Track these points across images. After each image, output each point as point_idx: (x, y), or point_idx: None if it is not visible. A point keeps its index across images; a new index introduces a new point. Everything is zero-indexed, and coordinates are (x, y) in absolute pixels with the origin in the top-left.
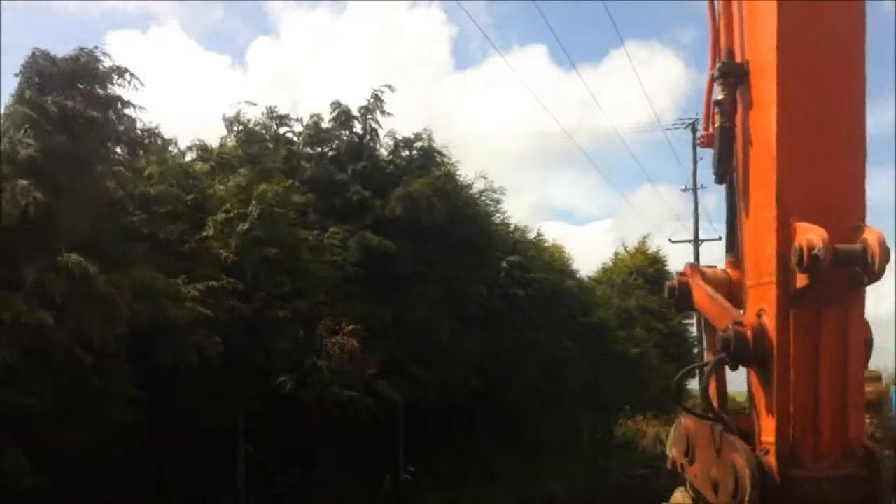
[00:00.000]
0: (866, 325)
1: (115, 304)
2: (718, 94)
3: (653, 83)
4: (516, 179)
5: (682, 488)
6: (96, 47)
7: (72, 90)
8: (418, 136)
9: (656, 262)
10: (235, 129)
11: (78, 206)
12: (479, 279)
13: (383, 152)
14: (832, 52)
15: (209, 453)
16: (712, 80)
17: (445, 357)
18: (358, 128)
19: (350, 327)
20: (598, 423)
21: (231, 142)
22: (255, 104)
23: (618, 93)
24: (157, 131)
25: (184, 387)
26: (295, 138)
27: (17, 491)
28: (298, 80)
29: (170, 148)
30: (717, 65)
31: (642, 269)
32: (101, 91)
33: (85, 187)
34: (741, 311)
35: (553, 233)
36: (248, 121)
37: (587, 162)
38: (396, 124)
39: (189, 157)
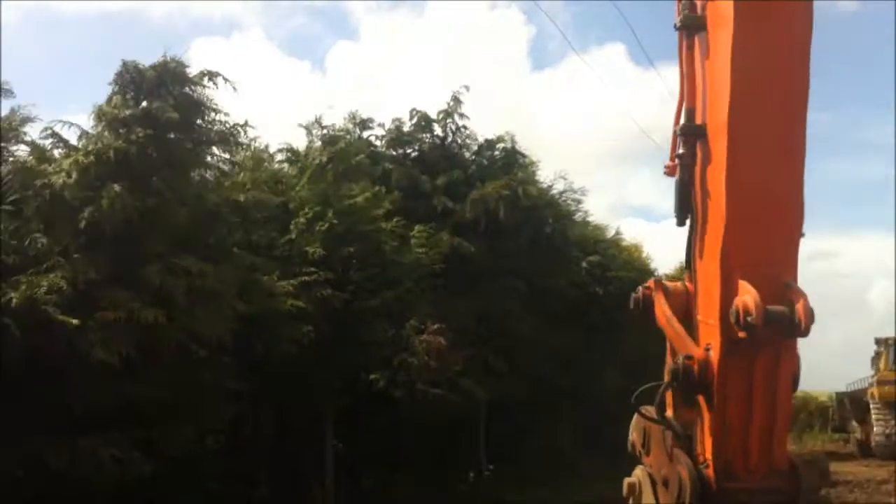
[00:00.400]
0: (797, 359)
1: (222, 301)
2: (680, 148)
3: None
4: (595, 178)
5: (641, 466)
6: (181, 54)
7: (162, 95)
8: (500, 138)
9: None
10: (319, 132)
11: (177, 208)
12: (560, 278)
13: (465, 154)
14: (779, 119)
15: (299, 447)
16: (675, 135)
17: (527, 354)
18: (438, 131)
19: (436, 326)
20: None
21: (317, 145)
22: (331, 108)
23: None
24: (247, 133)
25: (279, 380)
26: (377, 141)
27: (128, 478)
28: (379, 83)
29: (257, 150)
30: (680, 124)
31: None
32: (190, 92)
33: (181, 190)
34: (691, 341)
35: (631, 230)
36: (332, 125)
37: (665, 160)
38: (476, 126)
39: (278, 157)
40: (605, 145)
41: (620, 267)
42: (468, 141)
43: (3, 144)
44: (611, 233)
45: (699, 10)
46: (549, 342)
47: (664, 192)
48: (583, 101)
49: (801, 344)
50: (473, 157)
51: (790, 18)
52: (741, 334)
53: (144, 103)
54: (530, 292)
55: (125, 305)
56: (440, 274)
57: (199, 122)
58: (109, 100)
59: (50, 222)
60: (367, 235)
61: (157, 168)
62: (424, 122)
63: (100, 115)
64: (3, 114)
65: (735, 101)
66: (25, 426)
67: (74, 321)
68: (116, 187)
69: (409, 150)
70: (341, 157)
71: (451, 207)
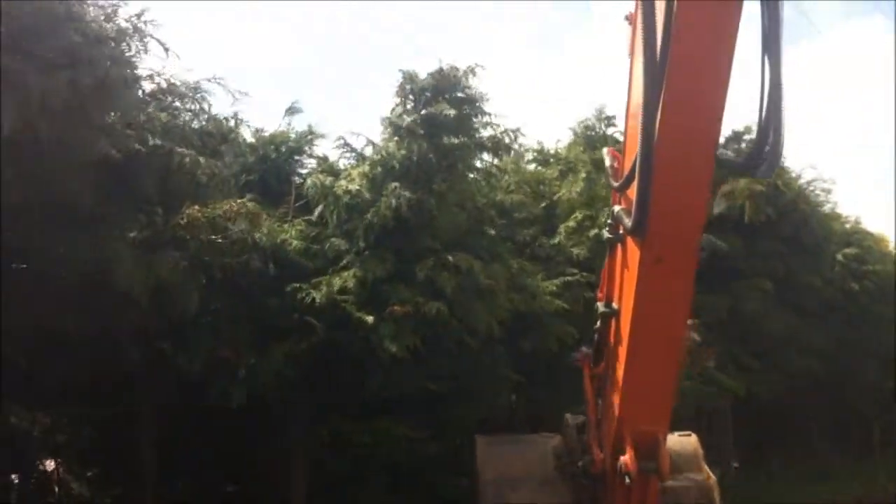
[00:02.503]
0: (658, 494)
1: (496, 295)
2: (598, 323)
3: None
4: (848, 166)
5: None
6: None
7: (439, 101)
8: (747, 129)
9: None
10: (577, 131)
11: (451, 207)
12: (812, 272)
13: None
14: (670, 318)
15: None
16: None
17: (779, 352)
18: None
19: (689, 321)
20: None
21: (578, 146)
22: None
23: None
24: (517, 135)
25: (543, 372)
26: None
27: (419, 455)
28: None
29: (521, 152)
30: (601, 307)
31: None
32: (463, 96)
33: (458, 191)
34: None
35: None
36: (584, 119)
37: None
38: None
39: (528, 157)
40: (853, 128)
41: (878, 260)
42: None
43: (297, 158)
44: (863, 223)
45: None
46: (803, 340)
47: None
48: (829, 84)
49: None
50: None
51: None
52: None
53: (424, 111)
54: (783, 290)
55: (411, 300)
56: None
57: (473, 122)
58: (393, 109)
59: (343, 225)
60: None
61: (435, 171)
62: None
63: (386, 123)
64: (300, 130)
65: (638, 304)
66: (332, 409)
67: (370, 318)
68: (395, 184)
69: None
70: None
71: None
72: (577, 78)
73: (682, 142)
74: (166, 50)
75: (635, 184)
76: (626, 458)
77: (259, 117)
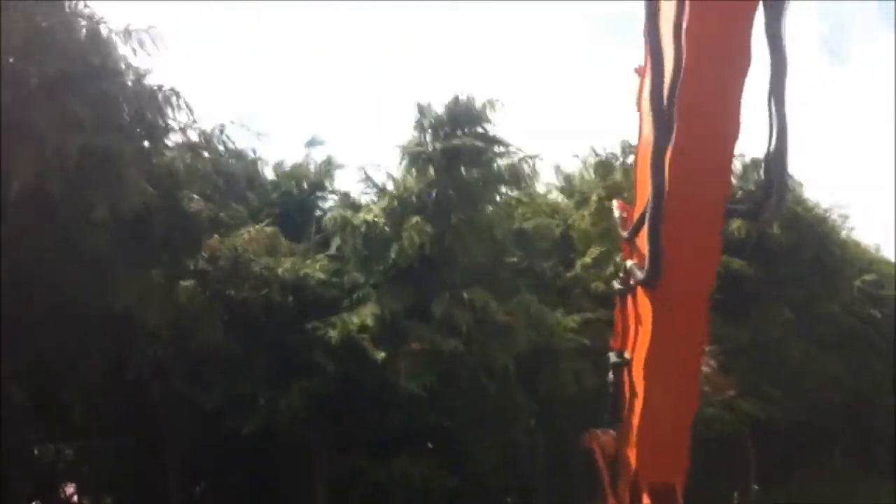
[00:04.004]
0: None
1: (512, 333)
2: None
3: None
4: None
5: None
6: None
7: (455, 132)
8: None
9: None
10: (591, 160)
11: (470, 241)
12: (831, 299)
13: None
14: (683, 368)
15: (574, 473)
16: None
17: (799, 378)
18: None
19: (707, 348)
20: None
21: (588, 175)
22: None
23: None
24: (534, 166)
25: (560, 412)
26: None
27: (436, 490)
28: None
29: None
30: (613, 357)
31: None
32: (482, 131)
33: (475, 223)
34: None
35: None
36: (603, 151)
37: None
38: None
39: (549, 183)
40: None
41: (891, 287)
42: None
43: (319, 194)
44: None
45: None
46: (823, 368)
47: None
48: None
49: None
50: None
51: None
52: None
53: (441, 145)
54: (802, 318)
55: (428, 337)
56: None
57: (491, 153)
58: (409, 141)
59: (362, 258)
60: None
61: (454, 204)
62: None
63: (403, 153)
64: (318, 160)
65: (651, 354)
66: (350, 445)
67: (382, 354)
68: (416, 218)
69: None
70: (616, 190)
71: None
72: (597, 105)
73: (693, 187)
74: (191, 111)
75: (644, 232)
76: None
77: (276, 147)
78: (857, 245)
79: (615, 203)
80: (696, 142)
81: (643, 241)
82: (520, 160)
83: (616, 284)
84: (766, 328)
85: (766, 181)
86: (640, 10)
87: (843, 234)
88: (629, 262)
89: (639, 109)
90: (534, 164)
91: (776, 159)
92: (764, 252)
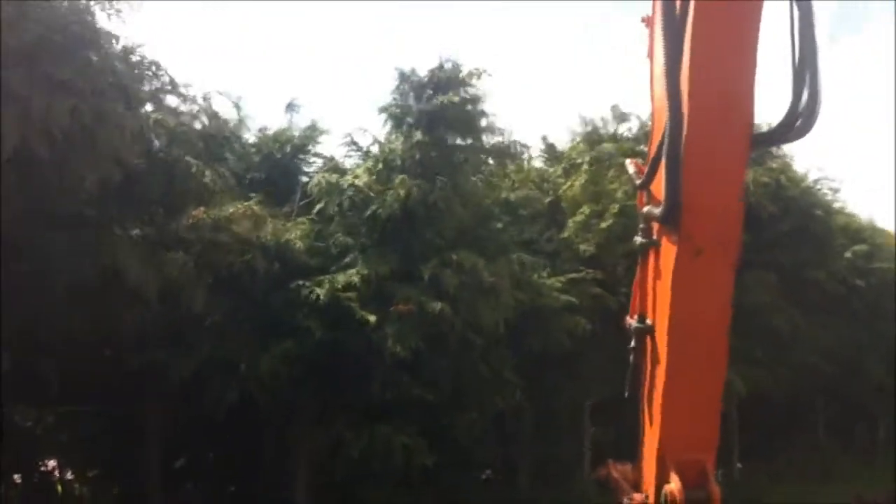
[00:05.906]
0: None
1: (500, 293)
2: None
3: None
4: (859, 164)
5: None
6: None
7: (438, 96)
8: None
9: None
10: (582, 129)
11: (455, 204)
12: (818, 267)
13: None
14: (710, 325)
15: (556, 437)
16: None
17: (787, 346)
18: None
19: None
20: None
21: (580, 144)
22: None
23: None
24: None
25: (548, 370)
26: (628, 133)
27: (416, 468)
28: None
29: (524, 153)
30: (634, 323)
31: None
32: (466, 96)
33: (460, 188)
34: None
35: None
36: (592, 120)
37: None
38: None
39: (538, 159)
40: (874, 123)
41: (885, 258)
42: None
43: (301, 157)
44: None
45: None
46: (809, 334)
47: None
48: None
49: None
50: None
51: None
52: None
53: (420, 104)
54: (789, 284)
55: (415, 298)
56: None
57: (479, 124)
58: (390, 105)
59: (349, 221)
60: None
61: (439, 168)
62: None
63: (386, 116)
64: (302, 126)
65: (674, 312)
66: (334, 411)
67: (372, 317)
68: (402, 176)
69: None
70: (601, 158)
71: None
72: (587, 74)
73: (714, 112)
74: (172, 79)
75: (661, 174)
76: (672, 488)
77: (261, 112)
78: (849, 216)
79: (628, 161)
80: (714, 59)
81: (659, 188)
82: (510, 141)
83: (638, 239)
84: (751, 293)
85: (794, 93)
86: None
87: (837, 206)
88: (646, 208)
89: (650, 59)
90: (524, 149)
91: (807, 60)
92: (750, 218)
